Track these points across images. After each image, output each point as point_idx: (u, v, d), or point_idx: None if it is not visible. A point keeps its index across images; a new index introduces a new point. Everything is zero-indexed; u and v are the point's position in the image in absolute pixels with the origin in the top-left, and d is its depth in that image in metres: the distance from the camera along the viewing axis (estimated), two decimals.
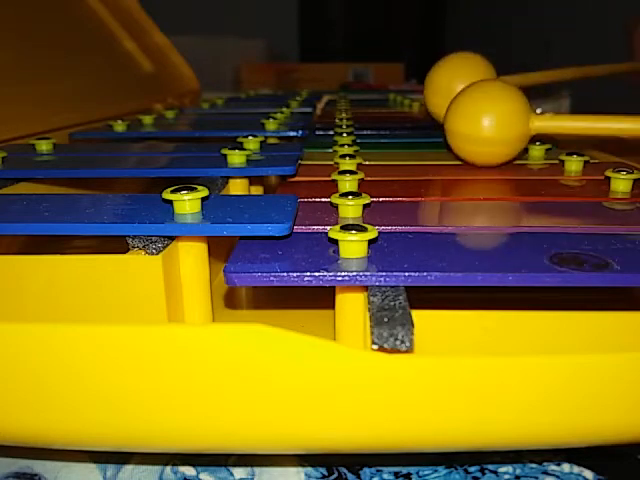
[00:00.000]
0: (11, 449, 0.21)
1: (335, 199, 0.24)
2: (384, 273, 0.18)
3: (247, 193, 0.30)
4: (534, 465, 0.20)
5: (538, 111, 0.81)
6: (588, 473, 0.20)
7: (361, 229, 0.19)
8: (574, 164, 0.32)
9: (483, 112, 0.30)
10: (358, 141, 0.40)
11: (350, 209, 0.23)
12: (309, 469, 0.20)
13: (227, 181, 0.29)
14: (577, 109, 0.83)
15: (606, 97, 1.06)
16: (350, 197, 0.23)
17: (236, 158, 0.30)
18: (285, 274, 0.18)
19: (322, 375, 0.15)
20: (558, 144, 0.40)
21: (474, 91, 0.32)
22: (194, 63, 0.79)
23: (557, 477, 0.20)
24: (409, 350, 0.16)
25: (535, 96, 0.81)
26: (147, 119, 0.47)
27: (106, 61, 0.60)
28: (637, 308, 0.20)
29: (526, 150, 0.36)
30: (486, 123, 0.30)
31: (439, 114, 0.40)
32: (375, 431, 0.16)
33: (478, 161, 0.33)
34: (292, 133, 0.41)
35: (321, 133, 0.45)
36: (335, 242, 0.19)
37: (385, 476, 0.20)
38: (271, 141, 0.40)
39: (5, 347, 0.16)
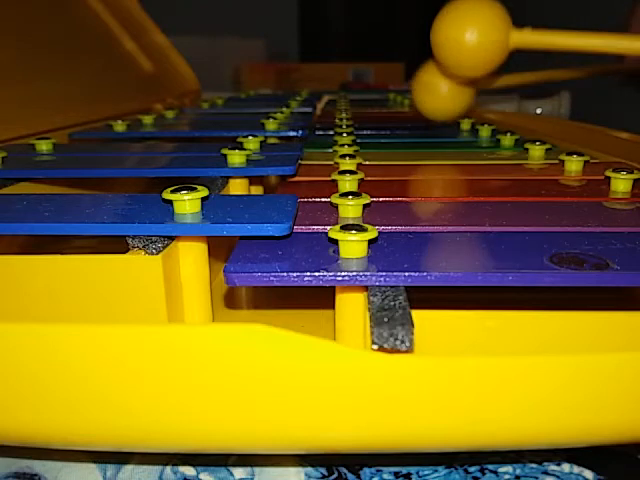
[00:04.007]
0: (11, 449, 0.21)
1: (335, 199, 0.24)
2: (384, 273, 0.18)
3: (247, 193, 0.30)
4: (534, 465, 0.20)
5: (538, 111, 0.81)
6: (588, 473, 0.20)
7: (361, 229, 0.19)
8: (574, 164, 0.32)
9: (465, 22, 0.34)
10: (358, 141, 0.40)
11: (350, 209, 0.23)
12: (309, 469, 0.20)
13: (227, 181, 0.29)
14: (577, 108, 0.83)
15: (606, 97, 1.06)
16: (350, 197, 0.23)
17: (236, 158, 0.30)
18: (285, 274, 0.18)
19: (322, 375, 0.15)
20: (559, 145, 0.40)
21: (458, 4, 0.35)
22: (194, 63, 0.79)
23: (557, 477, 0.20)
24: (409, 350, 0.16)
25: (536, 96, 0.81)
26: (147, 119, 0.47)
27: (106, 61, 0.60)
28: (637, 308, 0.20)
29: (526, 150, 0.36)
30: (467, 32, 0.34)
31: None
32: (375, 431, 0.16)
33: (457, 69, 0.36)
34: (292, 133, 0.41)
35: (321, 133, 0.45)
36: (335, 242, 0.19)
37: (385, 476, 0.20)
38: (271, 141, 0.40)
39: (5, 347, 0.16)
